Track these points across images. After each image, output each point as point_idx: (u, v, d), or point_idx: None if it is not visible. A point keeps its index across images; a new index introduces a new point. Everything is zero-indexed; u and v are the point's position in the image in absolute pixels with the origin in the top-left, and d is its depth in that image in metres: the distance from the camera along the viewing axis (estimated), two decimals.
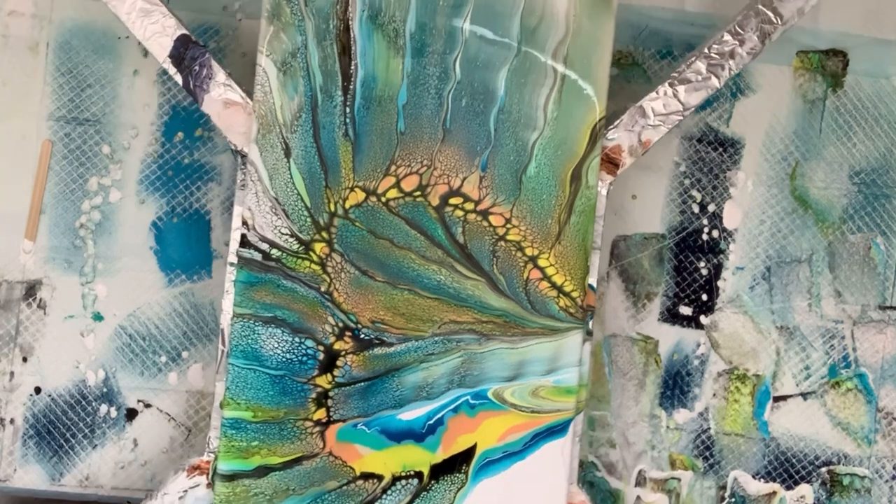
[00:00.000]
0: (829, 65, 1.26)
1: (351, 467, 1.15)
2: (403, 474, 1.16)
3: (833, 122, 1.24)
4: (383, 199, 1.13)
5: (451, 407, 1.15)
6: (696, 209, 1.26)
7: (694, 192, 1.26)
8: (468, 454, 1.16)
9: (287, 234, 1.13)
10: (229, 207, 1.23)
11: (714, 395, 1.26)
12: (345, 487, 1.15)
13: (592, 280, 1.15)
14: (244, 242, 1.13)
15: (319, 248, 1.13)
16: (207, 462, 1.15)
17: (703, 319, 1.26)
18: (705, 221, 1.26)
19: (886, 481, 1.27)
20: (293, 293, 1.13)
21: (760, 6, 1.15)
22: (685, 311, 1.26)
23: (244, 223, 1.13)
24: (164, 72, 1.22)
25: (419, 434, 1.15)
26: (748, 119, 1.26)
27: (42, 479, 1.23)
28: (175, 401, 1.17)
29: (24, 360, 1.23)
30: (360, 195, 1.13)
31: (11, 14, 1.22)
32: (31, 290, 1.23)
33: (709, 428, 1.26)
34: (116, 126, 1.23)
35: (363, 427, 1.15)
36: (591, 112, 1.13)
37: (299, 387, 1.14)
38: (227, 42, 1.24)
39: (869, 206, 1.27)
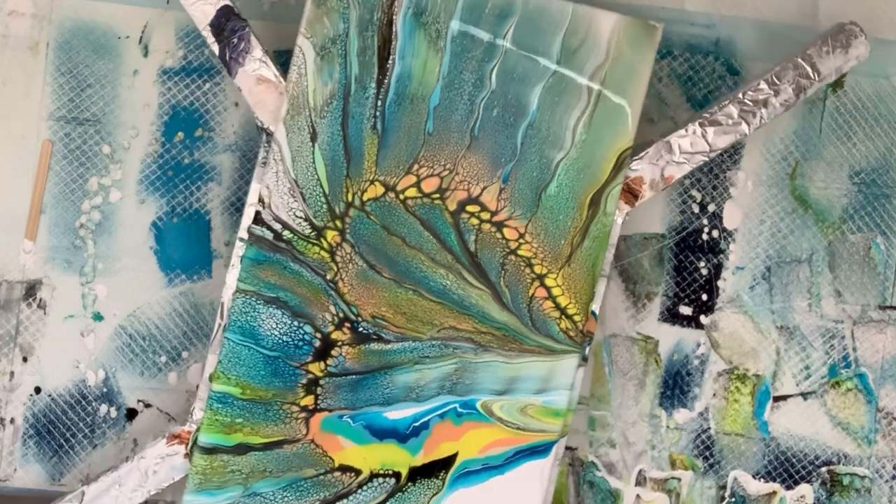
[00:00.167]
0: None
1: (331, 458, 1.15)
2: (381, 472, 1.15)
3: (833, 122, 1.24)
4: (401, 197, 1.13)
5: (439, 412, 1.15)
6: (696, 209, 1.26)
7: (694, 192, 1.26)
8: (448, 461, 1.16)
9: (301, 218, 1.13)
10: (229, 207, 1.23)
11: (714, 394, 1.26)
12: (322, 477, 1.15)
13: (596, 307, 1.15)
14: (257, 219, 1.13)
15: (331, 235, 1.13)
16: (188, 433, 1.15)
17: (703, 319, 1.26)
18: (705, 221, 1.26)
19: (886, 481, 1.27)
20: (299, 277, 1.13)
21: (800, 59, 1.16)
22: (685, 310, 1.26)
23: (260, 200, 1.13)
24: (165, 72, 1.23)
25: (403, 435, 1.15)
26: None
27: (42, 479, 1.22)
28: (175, 401, 1.17)
29: (24, 360, 1.22)
30: (380, 189, 1.13)
31: (11, 14, 1.21)
32: (31, 290, 1.22)
33: (709, 428, 1.26)
34: (116, 126, 1.23)
35: (348, 420, 1.15)
36: (620, 140, 1.13)
37: (291, 370, 1.14)
38: None
39: (869, 205, 1.27)
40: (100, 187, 1.23)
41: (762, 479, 1.27)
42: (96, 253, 1.23)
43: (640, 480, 1.26)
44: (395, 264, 1.14)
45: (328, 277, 1.13)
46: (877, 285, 1.27)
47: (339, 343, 1.14)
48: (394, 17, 1.12)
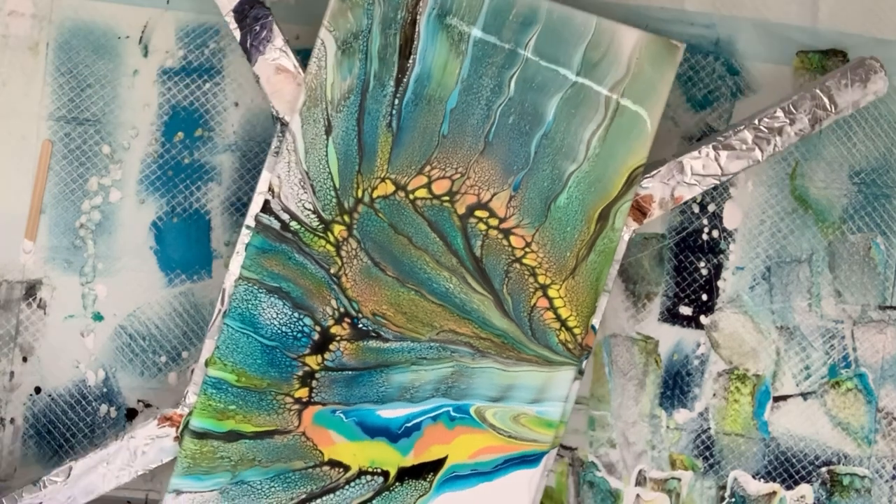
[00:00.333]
0: (829, 65, 1.27)
1: (320, 451, 1.15)
2: (370, 470, 1.15)
3: (833, 122, 1.24)
4: (411, 197, 1.13)
5: (432, 415, 1.15)
6: (696, 209, 1.27)
7: None
8: (437, 464, 1.16)
9: (310, 210, 1.13)
10: (229, 207, 1.23)
11: (714, 395, 1.27)
12: (310, 470, 1.15)
13: (596, 321, 1.15)
14: (266, 208, 1.13)
15: (338, 230, 1.13)
16: (180, 416, 1.14)
17: (703, 319, 1.27)
18: (705, 221, 1.27)
19: (886, 481, 1.27)
20: (302, 269, 1.13)
21: (818, 91, 1.16)
22: (685, 311, 1.26)
23: (270, 190, 1.12)
24: (164, 72, 1.22)
25: (394, 434, 1.15)
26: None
27: None
28: (175, 401, 1.17)
29: (24, 360, 1.22)
30: (390, 187, 1.13)
31: (11, 14, 1.21)
32: (31, 290, 1.22)
33: (709, 428, 1.27)
34: (116, 126, 1.23)
35: (341, 415, 1.15)
36: (634, 156, 1.13)
37: (288, 361, 1.14)
38: (227, 42, 1.23)
39: (869, 205, 1.27)
40: (100, 187, 1.22)
41: (762, 480, 1.27)
42: (96, 253, 1.22)
43: (640, 480, 1.26)
44: (399, 263, 1.14)
45: (332, 271, 1.13)
46: (877, 285, 1.27)
47: (338, 338, 1.14)
48: (418, 16, 1.12)
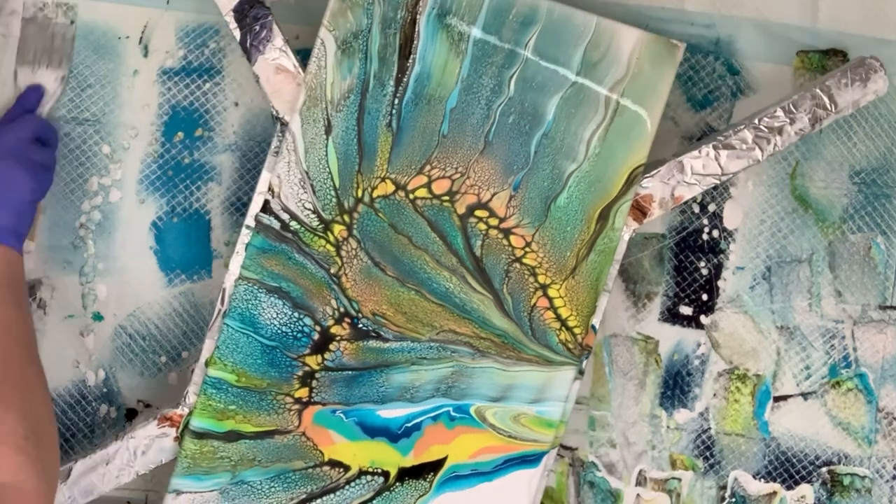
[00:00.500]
0: (829, 65, 1.26)
1: (321, 451, 1.15)
2: (370, 470, 1.15)
3: (833, 121, 1.24)
4: (411, 196, 1.13)
5: (432, 415, 1.15)
6: (696, 209, 1.27)
7: None
8: (437, 464, 1.16)
9: (310, 210, 1.13)
10: (229, 207, 1.23)
11: (714, 394, 1.27)
12: (310, 470, 1.15)
13: (596, 321, 1.15)
14: (266, 208, 1.12)
15: (338, 230, 1.13)
16: (180, 416, 1.14)
17: (703, 319, 1.26)
18: (705, 221, 1.27)
19: (887, 481, 1.27)
20: (302, 268, 1.13)
21: (818, 90, 1.16)
22: (685, 311, 1.26)
23: (270, 189, 1.12)
24: (164, 72, 1.22)
25: (394, 434, 1.15)
26: None
27: None
28: (175, 401, 1.16)
29: None
30: (390, 187, 1.13)
31: (12, 14, 1.21)
32: (31, 289, 1.21)
33: (709, 428, 1.27)
34: (116, 126, 1.22)
35: (341, 415, 1.15)
36: (634, 156, 1.13)
37: (288, 361, 1.14)
38: (227, 42, 1.23)
39: (869, 205, 1.27)
40: (100, 187, 1.22)
41: (762, 480, 1.27)
42: (96, 253, 1.22)
43: (641, 480, 1.26)
44: (399, 263, 1.14)
45: (332, 271, 1.13)
46: (877, 285, 1.27)
47: (338, 338, 1.14)
48: (417, 16, 1.12)
